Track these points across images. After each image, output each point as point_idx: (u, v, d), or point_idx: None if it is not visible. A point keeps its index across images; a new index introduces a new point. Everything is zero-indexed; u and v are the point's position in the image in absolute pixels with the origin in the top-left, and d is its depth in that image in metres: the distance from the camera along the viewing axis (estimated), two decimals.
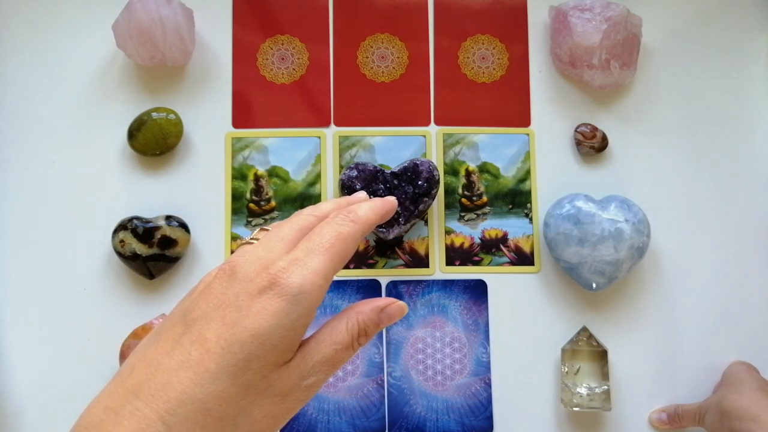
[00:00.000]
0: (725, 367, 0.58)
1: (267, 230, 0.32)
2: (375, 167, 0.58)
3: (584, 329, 0.58)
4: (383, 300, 0.32)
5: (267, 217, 0.60)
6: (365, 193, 0.39)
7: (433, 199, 0.58)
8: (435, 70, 0.62)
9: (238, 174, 0.60)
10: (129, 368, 0.28)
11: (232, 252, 0.59)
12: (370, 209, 0.33)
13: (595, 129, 0.61)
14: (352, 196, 0.38)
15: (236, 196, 0.60)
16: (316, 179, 0.60)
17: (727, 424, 0.52)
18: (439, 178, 0.58)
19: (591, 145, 0.60)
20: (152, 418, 0.25)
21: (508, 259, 0.60)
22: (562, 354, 0.58)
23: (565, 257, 0.57)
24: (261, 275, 0.28)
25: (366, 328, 0.31)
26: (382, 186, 0.57)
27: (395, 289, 0.59)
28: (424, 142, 0.61)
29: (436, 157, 0.61)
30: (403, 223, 0.57)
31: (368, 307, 0.31)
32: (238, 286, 0.28)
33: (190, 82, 0.61)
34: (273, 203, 0.60)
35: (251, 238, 0.32)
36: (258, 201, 0.60)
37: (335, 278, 0.59)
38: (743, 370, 0.56)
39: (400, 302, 0.33)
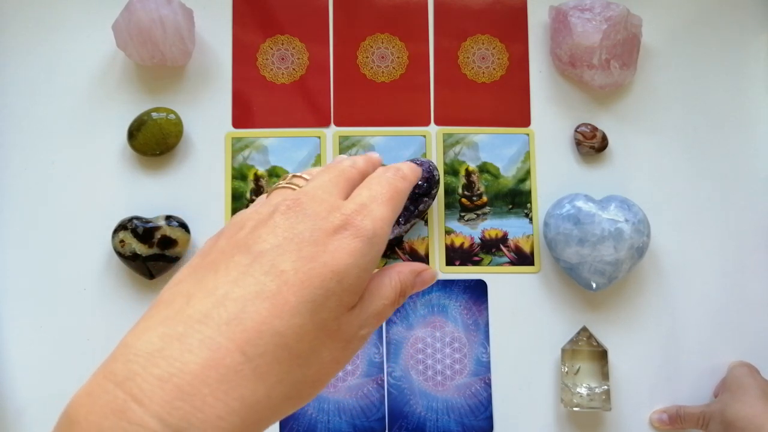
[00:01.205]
0: (725, 367, 0.58)
1: (300, 177, 0.32)
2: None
3: (584, 329, 0.58)
4: (419, 264, 0.32)
5: None
6: (378, 154, 0.39)
7: (433, 199, 0.58)
8: (435, 70, 0.62)
9: (238, 174, 0.60)
10: (183, 297, 0.25)
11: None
12: (411, 171, 0.34)
13: (595, 129, 0.61)
14: (370, 154, 0.38)
15: (236, 196, 0.60)
16: None
17: None
18: (439, 178, 0.58)
19: (591, 145, 0.60)
20: (229, 347, 0.23)
21: (508, 259, 0.60)
22: (562, 354, 0.58)
23: (565, 257, 0.57)
24: (333, 214, 0.27)
25: (405, 288, 0.31)
26: None
27: None
28: (424, 142, 0.61)
29: (436, 157, 0.61)
30: (403, 223, 0.57)
31: (407, 268, 0.31)
32: (310, 222, 0.27)
33: (190, 82, 0.61)
34: None
35: (288, 183, 0.31)
36: None
37: None
38: (746, 375, 0.56)
39: (433, 270, 0.32)
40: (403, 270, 0.31)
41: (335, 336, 0.26)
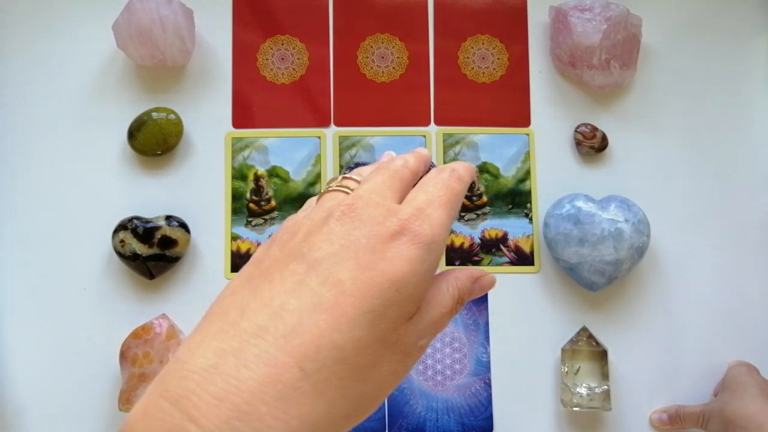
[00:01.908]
0: (725, 367, 0.58)
1: (351, 179, 0.30)
2: None
3: (584, 329, 0.58)
4: (477, 270, 0.31)
5: (267, 217, 0.60)
6: (426, 149, 0.38)
7: None
8: (435, 70, 0.62)
9: (238, 174, 0.60)
10: (237, 309, 0.24)
11: (234, 247, 0.58)
12: (466, 170, 0.32)
13: (595, 129, 0.61)
14: (419, 150, 0.37)
15: (236, 196, 0.60)
16: (316, 179, 0.60)
17: (731, 431, 0.52)
18: None
19: (591, 145, 0.60)
20: (287, 362, 0.22)
21: (508, 259, 0.60)
22: (562, 354, 0.58)
23: (565, 257, 0.57)
24: (390, 219, 0.26)
25: (463, 294, 0.29)
26: None
27: None
28: (424, 142, 0.61)
29: (436, 157, 0.61)
30: None
31: (464, 274, 0.30)
32: (366, 228, 0.26)
33: (190, 82, 0.61)
34: (273, 203, 0.60)
35: (339, 185, 0.30)
36: (258, 201, 0.60)
37: None
38: (745, 373, 0.56)
39: (491, 275, 0.31)
40: (460, 276, 0.30)
41: (394, 348, 0.25)
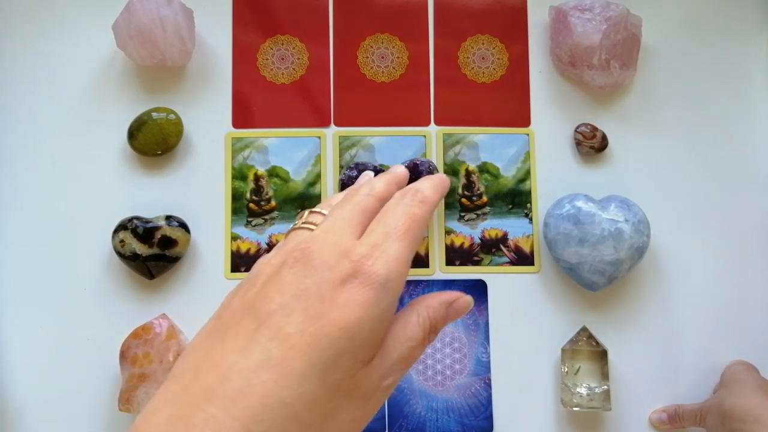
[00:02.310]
0: (724, 366, 0.58)
1: (317, 213, 0.30)
2: (375, 167, 0.58)
3: (584, 329, 0.58)
4: (451, 294, 0.30)
5: (267, 217, 0.60)
6: (403, 167, 0.37)
7: None
8: (435, 70, 0.62)
9: (238, 174, 0.60)
10: (192, 371, 0.24)
11: (233, 250, 0.58)
12: (433, 188, 0.31)
13: (595, 129, 0.61)
14: (393, 169, 0.36)
15: (236, 196, 0.60)
16: (316, 179, 0.60)
17: (728, 425, 0.51)
18: None
19: (591, 145, 0.60)
20: (233, 426, 0.22)
21: (508, 259, 0.60)
22: (562, 354, 0.58)
23: (565, 257, 0.57)
24: (342, 262, 0.26)
25: (436, 323, 0.29)
26: None
27: None
28: (424, 142, 0.61)
29: (436, 157, 0.61)
30: None
31: (436, 300, 0.29)
32: (318, 275, 0.25)
33: (190, 82, 0.61)
34: (273, 203, 0.60)
35: (305, 223, 0.29)
36: (258, 201, 0.60)
37: None
38: (743, 371, 0.56)
39: (468, 297, 0.30)
40: (432, 304, 0.29)
41: (351, 395, 0.25)
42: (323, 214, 0.30)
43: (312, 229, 0.29)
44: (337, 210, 0.29)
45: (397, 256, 0.26)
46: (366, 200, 0.30)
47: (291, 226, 0.30)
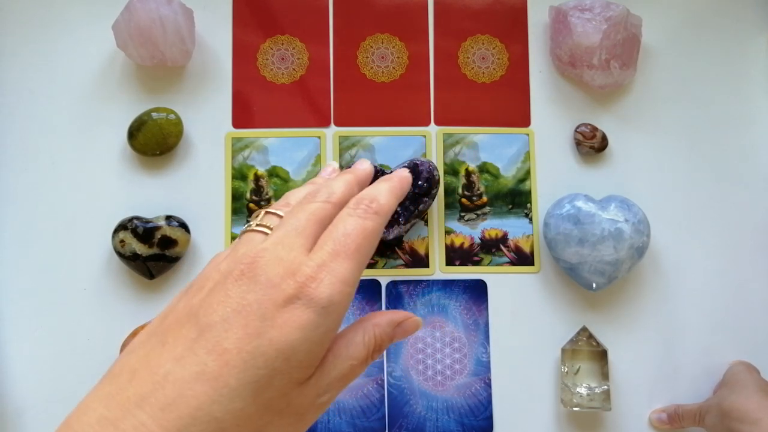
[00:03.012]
0: (725, 367, 0.58)
1: (273, 214, 0.30)
2: (375, 167, 0.58)
3: (584, 329, 0.58)
4: (399, 313, 0.30)
5: None
6: (369, 162, 0.35)
7: (433, 199, 0.58)
8: (435, 70, 0.62)
9: (238, 174, 0.60)
10: (128, 373, 0.25)
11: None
12: (390, 194, 0.31)
13: (595, 129, 0.61)
14: (357, 166, 0.35)
15: (236, 196, 0.60)
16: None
17: (727, 425, 0.51)
18: (439, 178, 0.58)
19: (591, 145, 0.60)
20: None
21: (508, 259, 0.60)
22: (562, 354, 0.58)
23: (565, 257, 0.57)
24: (286, 281, 0.25)
25: (381, 342, 0.29)
26: None
27: (395, 289, 0.59)
28: (424, 142, 0.61)
29: (436, 157, 0.61)
30: (403, 223, 0.57)
31: (384, 319, 0.29)
32: (261, 292, 0.25)
33: (190, 82, 0.61)
34: (273, 203, 0.60)
35: (259, 225, 0.29)
36: (258, 201, 0.60)
37: None
38: (744, 371, 0.56)
39: (416, 317, 0.30)
40: (380, 323, 0.29)
41: (284, 412, 0.25)
42: (279, 216, 0.29)
43: (266, 233, 0.29)
44: (291, 218, 0.29)
45: (343, 277, 0.26)
46: (322, 208, 0.29)
47: (245, 225, 0.30)
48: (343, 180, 0.32)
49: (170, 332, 0.26)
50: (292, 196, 0.32)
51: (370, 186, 0.31)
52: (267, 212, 0.30)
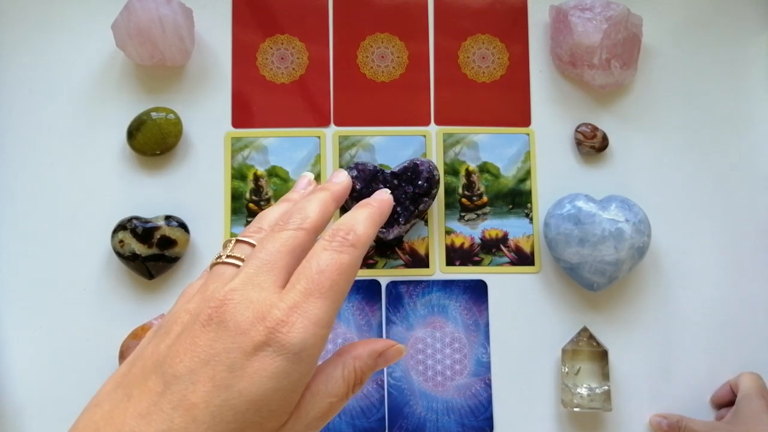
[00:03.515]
0: (725, 368, 0.58)
1: (245, 243, 0.28)
2: (375, 167, 0.57)
3: (584, 329, 0.58)
4: (381, 343, 0.28)
5: None
6: (346, 173, 0.34)
7: (433, 199, 0.58)
8: (435, 70, 0.62)
9: (238, 174, 0.60)
10: (92, 431, 0.23)
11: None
12: (369, 222, 0.29)
13: (595, 129, 0.60)
14: (333, 179, 0.33)
15: (236, 196, 0.60)
16: (316, 179, 0.60)
17: None
18: (439, 178, 0.58)
19: (591, 144, 0.60)
20: None
21: (508, 259, 0.60)
22: (563, 354, 0.57)
23: (565, 257, 0.57)
24: (256, 327, 0.24)
25: (362, 375, 0.27)
26: (382, 186, 0.57)
27: (395, 289, 0.59)
28: (424, 142, 0.61)
29: (436, 157, 0.61)
30: (403, 223, 0.57)
31: (366, 351, 0.28)
32: (229, 340, 0.24)
33: (189, 81, 0.61)
34: (272, 203, 0.60)
35: (229, 256, 0.28)
36: (258, 201, 0.60)
37: None
38: (760, 404, 0.53)
39: (399, 345, 0.29)
40: (360, 355, 0.28)
41: None
42: (252, 245, 0.28)
43: (237, 265, 0.27)
44: (261, 250, 0.27)
45: (317, 318, 0.25)
46: (294, 236, 0.28)
47: (215, 256, 0.28)
48: (318, 200, 0.30)
49: (135, 384, 0.24)
50: (265, 220, 0.30)
51: (348, 214, 0.30)
52: (238, 240, 0.29)
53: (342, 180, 0.33)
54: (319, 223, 0.29)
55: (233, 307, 0.25)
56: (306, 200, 0.30)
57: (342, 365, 0.27)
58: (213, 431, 0.23)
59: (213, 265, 0.28)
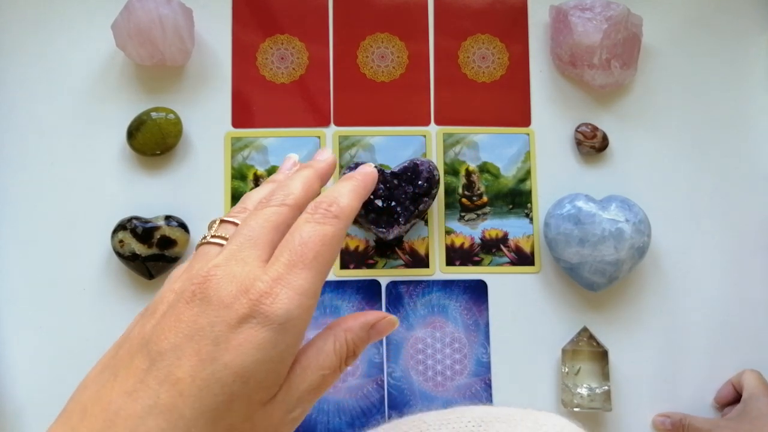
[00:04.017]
0: (726, 368, 0.58)
1: (229, 222, 0.28)
2: (375, 167, 0.57)
3: (585, 329, 0.58)
4: (373, 314, 0.28)
5: None
6: (330, 151, 0.33)
7: (433, 199, 0.58)
8: (435, 70, 0.62)
9: (238, 174, 0.60)
10: (80, 412, 0.23)
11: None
12: (352, 194, 0.29)
13: (595, 129, 0.60)
14: (317, 157, 0.32)
15: (236, 196, 0.60)
16: None
17: None
18: (439, 178, 0.58)
19: (591, 144, 0.60)
20: None
21: (508, 259, 0.60)
22: (563, 354, 0.57)
23: (565, 257, 0.57)
24: (239, 300, 0.24)
25: (355, 347, 0.27)
26: (381, 186, 0.57)
27: (395, 290, 0.59)
28: (424, 142, 0.61)
29: (436, 157, 0.61)
30: (403, 223, 0.57)
31: (357, 323, 0.28)
32: (213, 314, 0.24)
33: (189, 81, 0.61)
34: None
35: (214, 236, 0.28)
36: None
37: (335, 278, 0.59)
38: (767, 403, 0.53)
39: (391, 316, 0.29)
40: (352, 327, 0.27)
41: None
42: (235, 224, 0.28)
43: (222, 244, 0.27)
44: (245, 227, 0.27)
45: (302, 289, 0.25)
46: (278, 212, 0.27)
47: (201, 237, 0.28)
48: (302, 177, 0.30)
49: (122, 364, 0.24)
50: (249, 200, 0.30)
51: (331, 188, 0.29)
52: (223, 221, 0.29)
53: (326, 158, 0.33)
54: (302, 199, 0.29)
55: (216, 282, 0.24)
56: (289, 178, 0.30)
57: (333, 338, 0.27)
58: (200, 404, 0.22)
59: (198, 245, 0.28)
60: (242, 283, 0.24)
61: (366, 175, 0.31)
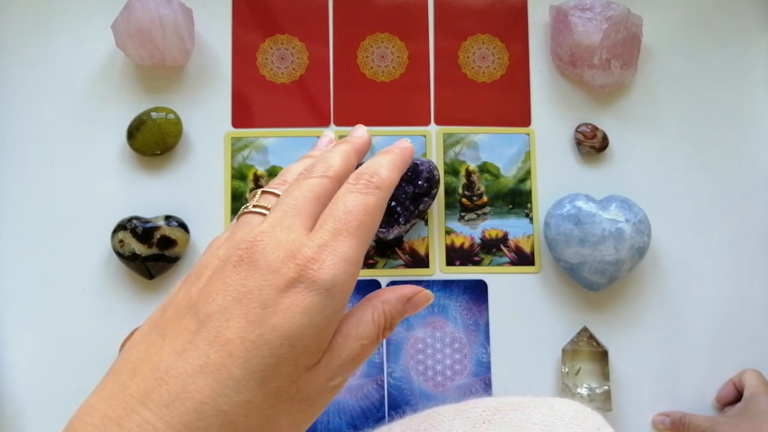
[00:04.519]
0: (726, 368, 0.58)
1: (271, 193, 0.29)
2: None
3: (585, 329, 0.58)
4: (409, 288, 0.29)
5: None
6: (365, 129, 0.34)
7: (434, 199, 0.58)
8: (435, 70, 0.62)
9: (238, 174, 0.60)
10: (129, 370, 0.24)
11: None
12: (392, 166, 0.29)
13: (595, 129, 0.60)
14: (353, 134, 0.33)
15: (236, 196, 0.60)
16: None
17: None
18: (439, 178, 0.58)
19: (591, 144, 0.60)
20: None
21: (508, 259, 0.60)
22: (563, 354, 0.57)
23: (565, 257, 0.57)
24: (287, 265, 0.24)
25: (392, 319, 0.28)
26: None
27: None
28: (424, 142, 0.61)
29: (436, 157, 0.61)
30: (403, 223, 0.57)
31: (394, 295, 0.28)
32: (261, 278, 0.24)
33: (189, 81, 0.61)
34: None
35: (255, 206, 0.28)
36: None
37: None
38: (764, 394, 0.54)
39: (426, 291, 0.30)
40: (389, 299, 0.28)
41: (294, 399, 0.24)
42: (277, 195, 0.29)
43: (264, 214, 0.28)
44: (288, 196, 0.27)
45: (346, 256, 0.25)
46: (320, 183, 0.28)
47: (243, 207, 0.29)
48: (340, 151, 0.30)
49: (170, 325, 0.25)
50: (289, 173, 0.31)
51: (371, 159, 0.30)
52: (264, 192, 0.29)
53: (362, 134, 0.33)
54: (342, 172, 0.29)
55: (263, 247, 0.25)
56: (328, 152, 0.31)
57: (372, 309, 0.27)
58: (249, 365, 0.23)
59: (240, 215, 0.29)
60: (289, 248, 0.25)
61: (404, 149, 0.32)
